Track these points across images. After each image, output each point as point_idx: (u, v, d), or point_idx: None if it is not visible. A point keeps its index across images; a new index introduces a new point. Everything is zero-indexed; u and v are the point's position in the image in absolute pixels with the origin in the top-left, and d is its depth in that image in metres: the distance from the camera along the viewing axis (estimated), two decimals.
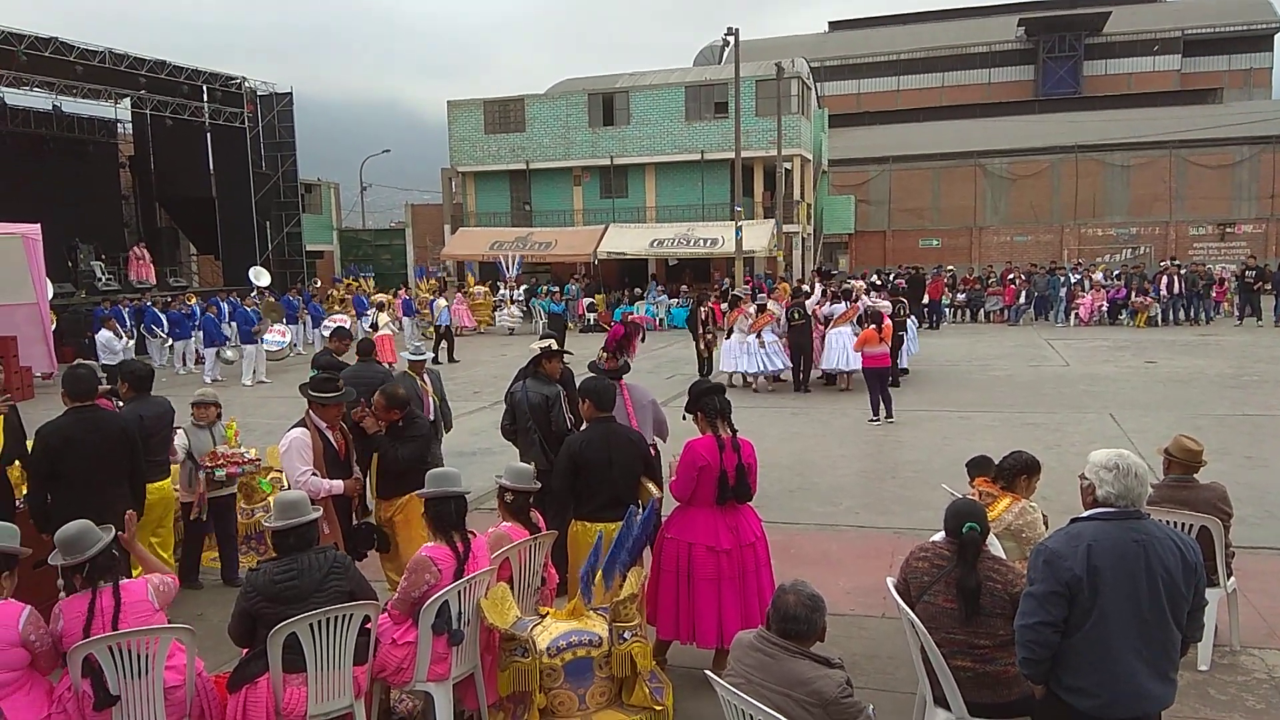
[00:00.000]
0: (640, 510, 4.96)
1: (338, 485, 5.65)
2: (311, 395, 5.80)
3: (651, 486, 5.45)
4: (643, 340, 16.74)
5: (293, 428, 5.76)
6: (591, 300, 30.05)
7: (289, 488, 5.76)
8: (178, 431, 6.80)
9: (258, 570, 4.16)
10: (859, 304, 15.33)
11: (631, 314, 18.15)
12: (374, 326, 20.86)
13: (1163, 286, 25.19)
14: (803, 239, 36.08)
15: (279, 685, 3.97)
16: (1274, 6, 50.22)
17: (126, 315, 20.81)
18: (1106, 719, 3.22)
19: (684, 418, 5.62)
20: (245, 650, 4.16)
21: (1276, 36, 50.27)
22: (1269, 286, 24.80)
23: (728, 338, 16.22)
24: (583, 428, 5.76)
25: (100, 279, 25.61)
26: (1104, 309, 25.81)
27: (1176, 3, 53.75)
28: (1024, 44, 52.35)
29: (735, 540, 5.08)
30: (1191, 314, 25.21)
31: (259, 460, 7.02)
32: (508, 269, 29.32)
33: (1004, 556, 4.52)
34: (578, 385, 5.94)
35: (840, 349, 15.10)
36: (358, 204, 53.05)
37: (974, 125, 44.48)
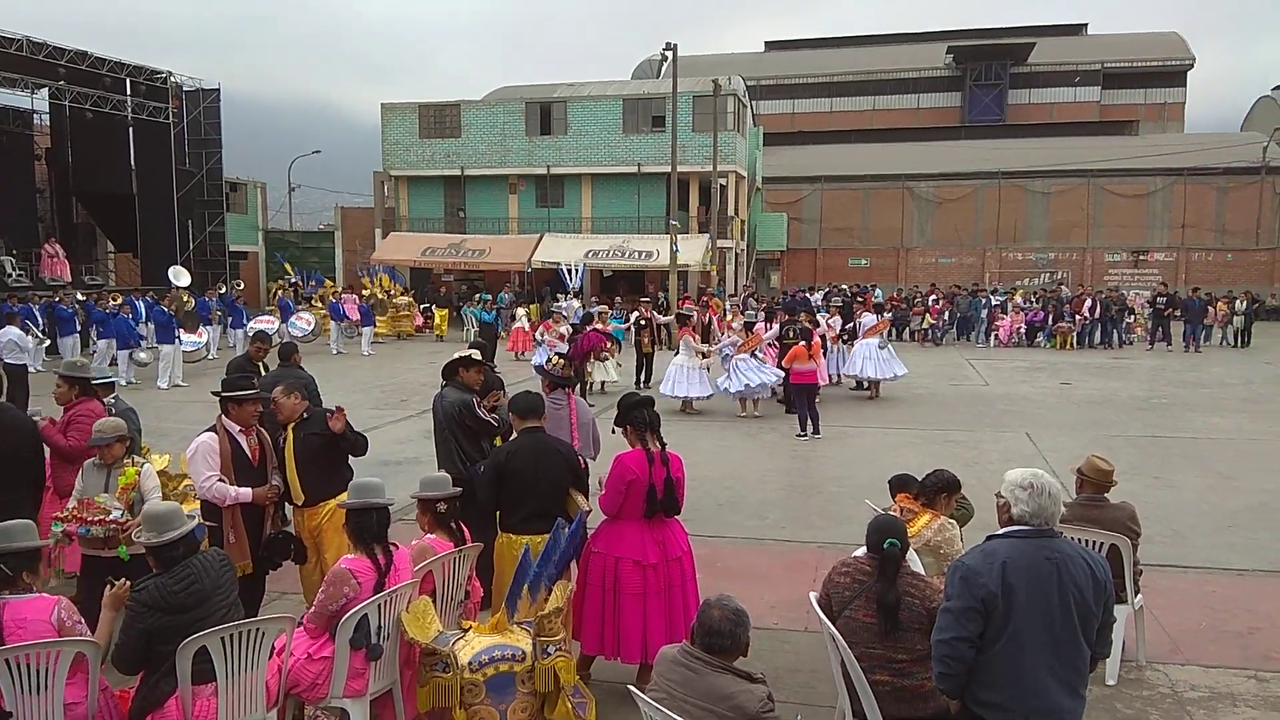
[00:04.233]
0: (567, 524, 4.92)
1: (245, 493, 5.42)
2: (224, 394, 5.61)
3: (580, 499, 5.41)
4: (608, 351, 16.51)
5: (203, 431, 5.57)
6: (524, 309, 29.85)
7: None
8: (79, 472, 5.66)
9: (144, 588, 3.90)
10: (888, 317, 15.64)
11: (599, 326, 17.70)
12: (513, 318, 23.74)
13: (1084, 309, 26.10)
14: (736, 254, 36.44)
15: (188, 699, 3.83)
16: (1188, 45, 52.56)
17: (38, 313, 20.00)
18: None
19: (613, 431, 5.60)
20: (140, 675, 3.97)
21: (1189, 73, 52.61)
22: (1179, 313, 25.85)
23: (676, 353, 15.26)
24: (512, 437, 5.70)
25: (11, 274, 24.61)
26: (1022, 331, 26.67)
27: (1098, 36, 55.92)
28: (952, 71, 53.86)
29: (662, 554, 5.08)
30: (1106, 338, 26.15)
31: (121, 524, 5.22)
32: (569, 278, 27.62)
33: (923, 572, 4.61)
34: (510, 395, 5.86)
35: (872, 359, 15.94)
36: (285, 204, 51.97)
37: (903, 149, 45.56)
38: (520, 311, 24.71)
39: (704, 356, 15.26)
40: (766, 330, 15.83)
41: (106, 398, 6.79)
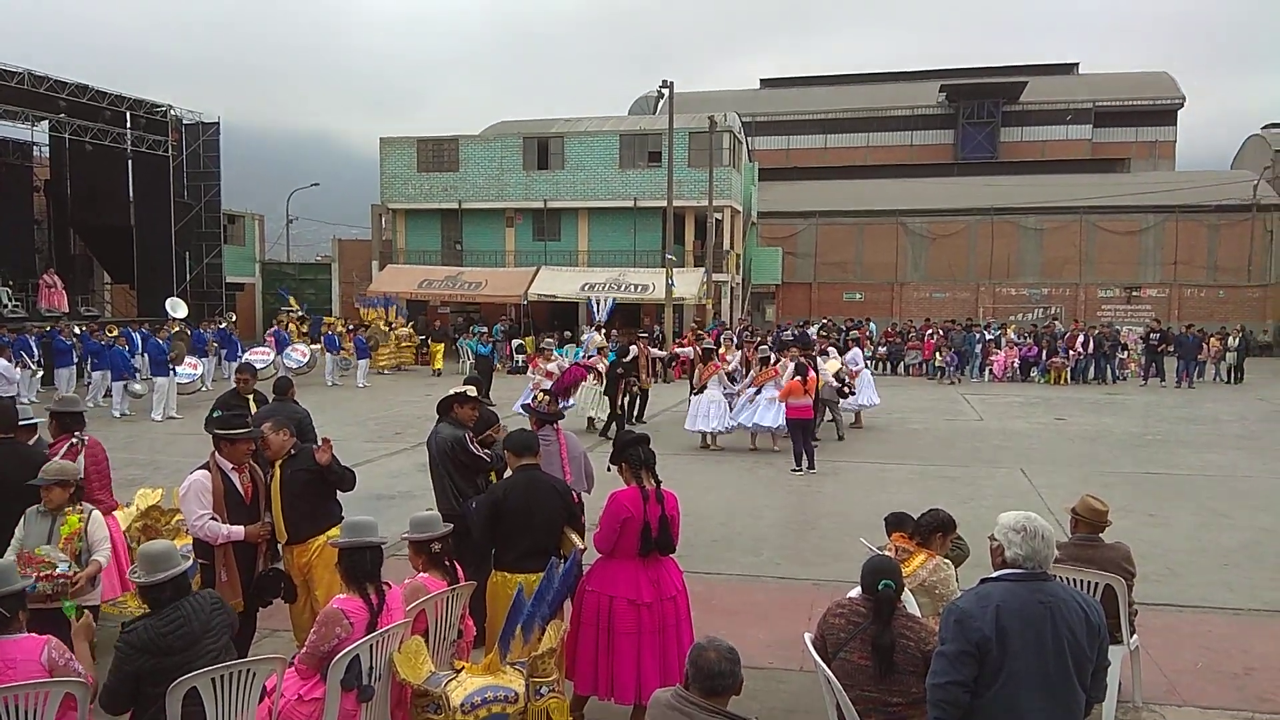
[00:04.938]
0: (562, 562, 4.91)
1: (238, 531, 5.40)
2: (216, 432, 5.59)
3: (574, 537, 5.39)
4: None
5: (196, 469, 5.55)
6: (520, 342, 29.92)
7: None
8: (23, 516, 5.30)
9: (133, 630, 3.88)
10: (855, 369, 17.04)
11: (591, 358, 17.49)
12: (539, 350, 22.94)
13: (1078, 344, 26.20)
14: (731, 288, 36.62)
15: None
16: (1178, 84, 53.21)
17: (34, 344, 19.95)
18: None
19: (609, 469, 5.60)
20: (129, 716, 3.93)
21: (1180, 112, 53.19)
22: (1172, 349, 25.97)
23: (698, 393, 14.96)
24: (507, 474, 5.70)
25: (7, 305, 24.62)
26: (1016, 366, 26.76)
27: (1089, 76, 56.59)
28: (945, 109, 54.40)
29: (656, 593, 5.06)
30: (1100, 373, 26.23)
31: (70, 577, 4.96)
32: (597, 311, 27.26)
33: (918, 612, 4.59)
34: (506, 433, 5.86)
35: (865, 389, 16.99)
36: (283, 236, 52.15)
37: (896, 185, 45.91)
38: (551, 343, 24.84)
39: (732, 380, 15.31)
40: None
41: (30, 440, 6.18)
